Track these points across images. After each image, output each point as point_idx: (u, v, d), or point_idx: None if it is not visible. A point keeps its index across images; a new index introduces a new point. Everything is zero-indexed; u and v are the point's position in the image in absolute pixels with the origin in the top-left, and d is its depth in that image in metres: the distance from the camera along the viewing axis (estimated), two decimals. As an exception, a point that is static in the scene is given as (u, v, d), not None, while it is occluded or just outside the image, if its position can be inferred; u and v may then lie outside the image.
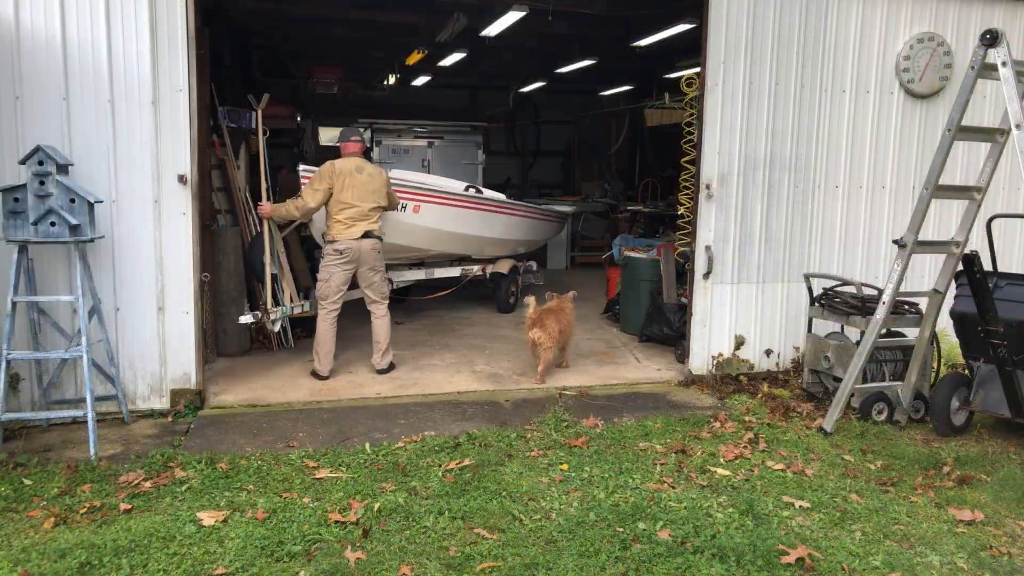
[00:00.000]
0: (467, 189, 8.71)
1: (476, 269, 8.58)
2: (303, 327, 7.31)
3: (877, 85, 6.53)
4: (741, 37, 6.09)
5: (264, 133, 7.05)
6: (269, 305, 6.55)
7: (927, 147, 6.52)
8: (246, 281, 7.08)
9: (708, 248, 6.22)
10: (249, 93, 9.24)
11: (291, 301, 7.03)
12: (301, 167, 6.74)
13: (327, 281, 6.15)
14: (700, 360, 6.37)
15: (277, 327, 6.81)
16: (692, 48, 7.49)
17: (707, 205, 6.21)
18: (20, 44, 4.92)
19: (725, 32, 6.06)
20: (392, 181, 6.82)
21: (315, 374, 6.17)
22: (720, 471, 4.53)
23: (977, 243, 6.62)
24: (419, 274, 8.15)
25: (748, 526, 3.82)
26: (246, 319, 6.44)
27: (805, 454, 4.86)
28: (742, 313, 6.42)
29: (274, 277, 6.79)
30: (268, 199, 6.85)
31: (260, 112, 6.99)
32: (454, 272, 8.48)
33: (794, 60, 6.27)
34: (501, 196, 9.37)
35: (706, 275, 6.24)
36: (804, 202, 6.47)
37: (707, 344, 6.36)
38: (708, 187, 6.17)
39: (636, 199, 12.96)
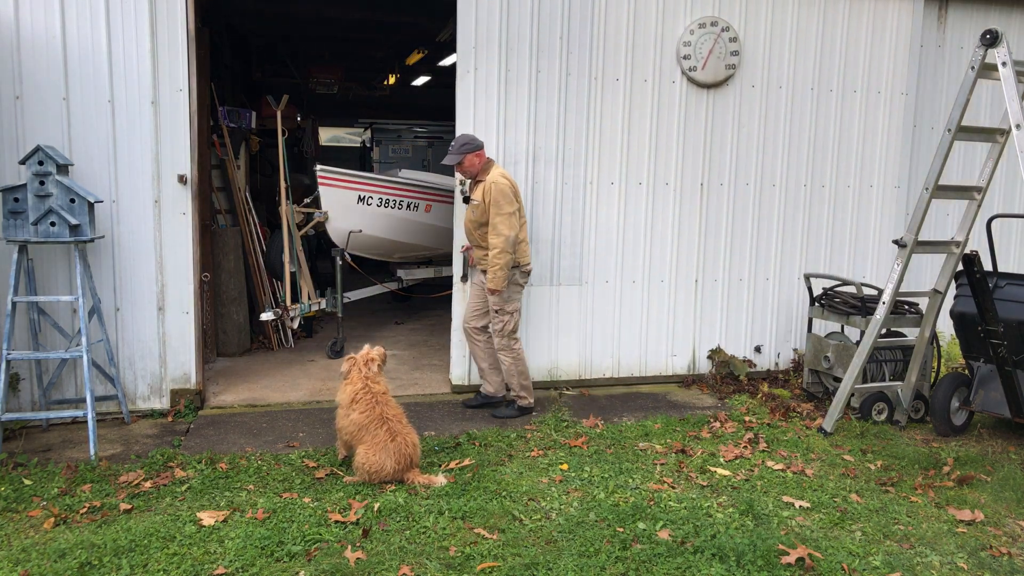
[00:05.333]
0: None
1: None
2: (302, 327, 7.37)
3: (655, 73, 6.02)
4: (495, 20, 5.62)
5: (283, 134, 7.10)
6: (289, 302, 6.67)
7: (716, 140, 6.22)
8: (247, 280, 7.11)
9: (469, 249, 5.59)
10: (249, 93, 9.23)
11: (308, 299, 7.13)
12: (318, 167, 6.80)
13: (518, 312, 5.44)
14: (460, 369, 5.93)
15: (296, 324, 6.94)
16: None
17: (460, 202, 5.72)
18: (20, 44, 4.92)
19: (476, 14, 5.59)
20: (403, 181, 6.89)
21: (525, 409, 5.53)
22: (720, 471, 4.53)
23: (976, 243, 6.63)
24: (428, 272, 8.18)
25: (748, 526, 3.82)
26: (267, 316, 6.54)
27: (805, 454, 4.86)
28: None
29: (292, 275, 6.91)
30: (288, 199, 6.91)
31: (279, 113, 7.02)
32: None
33: (558, 46, 5.78)
34: None
35: (463, 278, 5.78)
36: (575, 200, 5.98)
37: (467, 352, 5.80)
38: (463, 184, 5.64)
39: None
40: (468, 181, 5.43)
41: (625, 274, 6.19)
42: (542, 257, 5.96)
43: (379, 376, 4.46)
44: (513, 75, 5.73)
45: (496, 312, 5.31)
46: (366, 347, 4.55)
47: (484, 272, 5.30)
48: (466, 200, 5.42)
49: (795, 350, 6.66)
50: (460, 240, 5.76)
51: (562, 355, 6.14)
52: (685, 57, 6.02)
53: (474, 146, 5.19)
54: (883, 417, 5.48)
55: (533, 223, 5.89)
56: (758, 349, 6.56)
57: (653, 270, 6.25)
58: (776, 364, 6.67)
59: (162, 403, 5.42)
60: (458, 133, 5.54)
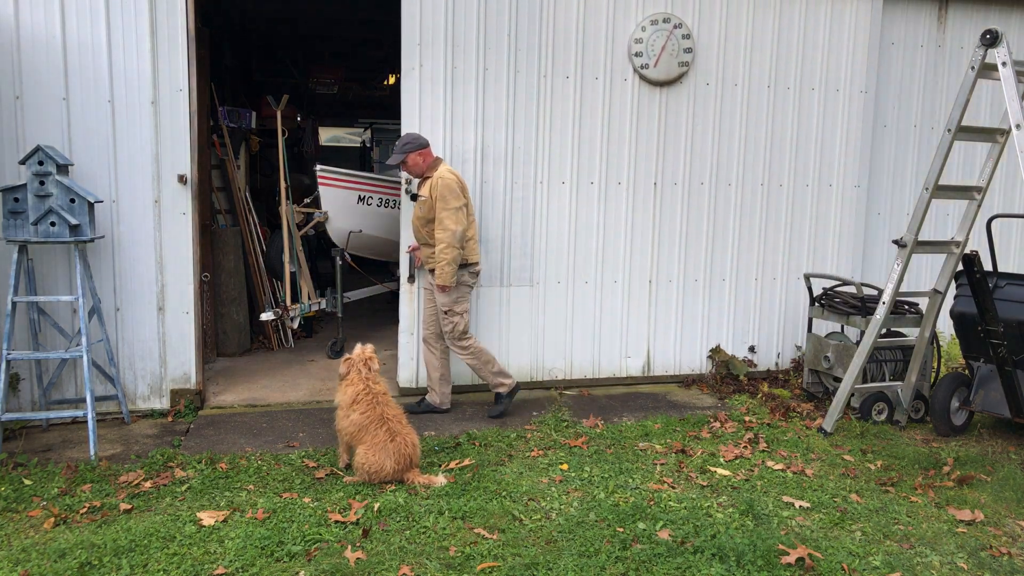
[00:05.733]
0: None
1: None
2: (302, 327, 7.37)
3: (607, 71, 5.93)
4: (440, 16, 5.54)
5: (283, 134, 7.11)
6: (289, 302, 6.68)
7: (669, 138, 6.14)
8: (247, 280, 7.12)
9: (411, 247, 5.66)
10: (249, 93, 9.23)
11: (308, 299, 7.14)
12: (318, 167, 6.81)
13: (467, 312, 5.38)
14: (408, 372, 5.86)
15: (296, 324, 6.94)
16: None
17: (408, 201, 5.59)
18: (20, 44, 4.92)
19: (420, 10, 5.51)
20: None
21: (511, 390, 5.51)
22: (720, 471, 4.53)
23: (976, 243, 6.64)
24: None
25: (748, 526, 3.82)
26: (267, 316, 6.54)
27: (805, 454, 4.86)
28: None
29: (292, 275, 6.92)
30: (288, 199, 6.91)
31: (279, 113, 7.02)
32: None
33: (505, 43, 5.69)
34: None
35: (411, 279, 5.76)
36: (525, 199, 5.89)
37: (415, 354, 5.81)
38: (409, 182, 5.61)
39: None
40: (415, 180, 5.40)
41: (577, 275, 6.10)
42: (492, 258, 5.89)
43: (379, 376, 4.47)
44: (460, 72, 5.65)
45: (445, 313, 5.27)
46: (358, 347, 4.55)
47: (432, 271, 5.26)
48: (413, 197, 5.37)
49: (750, 348, 6.56)
50: (407, 240, 5.69)
51: (513, 357, 6.03)
52: (637, 54, 5.94)
53: (417, 144, 5.16)
54: (883, 417, 5.48)
55: (482, 223, 5.81)
56: (715, 351, 6.44)
57: (606, 270, 6.16)
58: (776, 364, 6.67)
59: (162, 403, 5.42)
60: (403, 131, 5.48)
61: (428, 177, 5.19)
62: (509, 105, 5.79)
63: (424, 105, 5.60)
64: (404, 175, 5.59)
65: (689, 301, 6.39)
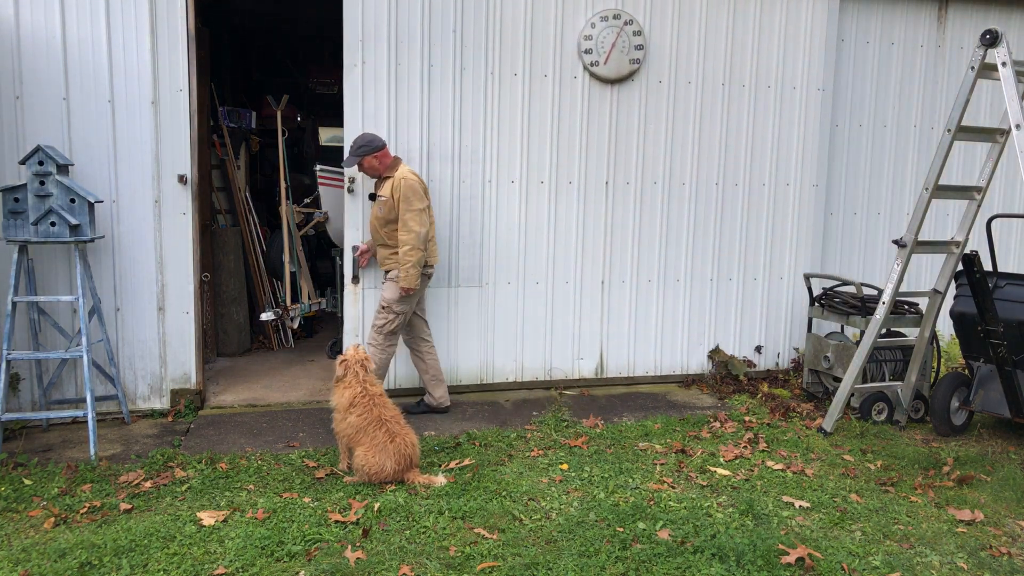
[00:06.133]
0: None
1: None
2: (302, 327, 7.38)
3: (556, 68, 5.83)
4: (382, 11, 5.45)
5: (283, 134, 7.11)
6: (289, 302, 6.68)
7: (621, 137, 6.03)
8: (247, 280, 7.12)
9: (356, 249, 5.57)
10: (249, 93, 9.24)
11: (308, 299, 7.14)
12: (318, 167, 6.80)
13: (405, 316, 5.26)
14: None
15: (296, 324, 6.95)
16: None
17: (352, 201, 5.57)
18: (20, 44, 4.92)
19: (362, 5, 5.43)
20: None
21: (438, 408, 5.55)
22: (720, 471, 4.53)
23: (976, 243, 6.64)
24: None
25: (748, 526, 3.82)
26: (267, 316, 6.55)
27: (805, 454, 4.86)
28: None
29: (292, 275, 6.92)
30: (288, 199, 6.91)
31: (279, 113, 7.02)
32: None
33: (451, 39, 5.59)
34: None
35: (355, 279, 5.63)
36: (473, 199, 5.79)
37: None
38: (352, 181, 5.54)
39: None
40: (355, 178, 5.36)
41: (528, 275, 5.99)
42: (439, 258, 5.68)
43: (375, 378, 4.47)
44: (404, 69, 5.53)
45: (384, 308, 5.15)
46: (351, 348, 4.55)
47: (388, 272, 5.18)
48: (372, 197, 5.26)
49: (710, 355, 6.46)
50: (352, 240, 5.62)
51: (463, 359, 5.95)
52: (587, 51, 5.82)
53: (372, 148, 5.06)
54: (883, 417, 5.49)
55: None
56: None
57: (557, 271, 6.05)
58: (776, 364, 6.67)
59: (162, 403, 5.42)
60: (345, 129, 5.43)
61: (388, 177, 5.10)
62: (456, 103, 5.68)
63: (367, 102, 5.49)
64: (347, 173, 5.51)
65: (643, 302, 6.27)
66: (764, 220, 6.47)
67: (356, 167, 5.20)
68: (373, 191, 5.29)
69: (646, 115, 6.10)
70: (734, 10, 6.18)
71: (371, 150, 5.08)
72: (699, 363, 6.49)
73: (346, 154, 5.24)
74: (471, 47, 5.66)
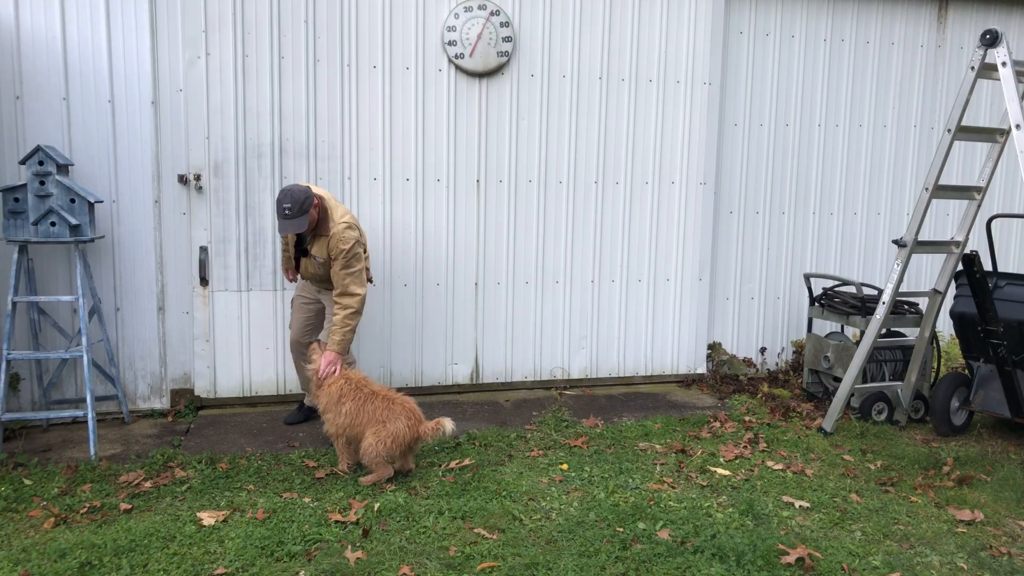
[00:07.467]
0: None
1: None
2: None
3: (419, 61, 5.57)
4: (227, 0, 5.20)
5: None
6: None
7: (492, 133, 5.77)
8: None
9: (204, 249, 5.33)
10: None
11: None
12: None
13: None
14: (205, 381, 5.44)
15: None
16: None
17: (198, 200, 5.30)
18: (20, 44, 4.92)
19: None
20: None
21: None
22: (720, 471, 4.53)
23: (976, 243, 6.65)
24: None
25: (748, 526, 3.82)
26: None
27: (805, 454, 4.86)
28: (256, 325, 5.48)
29: None
30: None
31: None
32: None
33: (303, 30, 5.32)
34: None
35: (203, 282, 5.38)
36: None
37: (211, 362, 5.43)
38: (198, 178, 5.28)
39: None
40: (201, 175, 5.17)
41: (395, 277, 5.72)
42: None
43: (347, 364, 4.66)
44: (252, 61, 5.26)
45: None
46: (315, 352, 4.62)
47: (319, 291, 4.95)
48: (304, 254, 4.86)
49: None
50: (197, 240, 5.33)
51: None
52: (451, 43, 5.56)
53: (309, 205, 4.51)
54: (883, 417, 5.49)
55: None
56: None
57: (427, 273, 5.78)
58: (777, 364, 6.67)
59: (162, 403, 5.42)
60: (191, 125, 5.20)
61: (321, 234, 4.65)
62: (309, 96, 5.40)
63: (212, 96, 5.22)
64: (289, 238, 5.01)
65: (520, 304, 6.03)
66: (648, 219, 6.19)
67: (305, 227, 4.59)
68: (304, 245, 4.83)
69: (518, 110, 5.82)
70: (610, 2, 5.91)
71: (309, 206, 4.53)
72: (581, 367, 6.23)
73: (278, 220, 4.55)
74: (324, 38, 5.38)
